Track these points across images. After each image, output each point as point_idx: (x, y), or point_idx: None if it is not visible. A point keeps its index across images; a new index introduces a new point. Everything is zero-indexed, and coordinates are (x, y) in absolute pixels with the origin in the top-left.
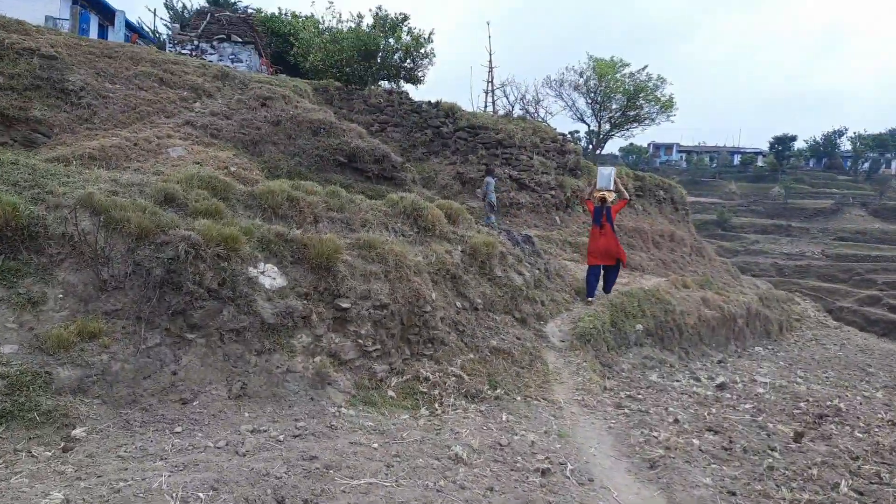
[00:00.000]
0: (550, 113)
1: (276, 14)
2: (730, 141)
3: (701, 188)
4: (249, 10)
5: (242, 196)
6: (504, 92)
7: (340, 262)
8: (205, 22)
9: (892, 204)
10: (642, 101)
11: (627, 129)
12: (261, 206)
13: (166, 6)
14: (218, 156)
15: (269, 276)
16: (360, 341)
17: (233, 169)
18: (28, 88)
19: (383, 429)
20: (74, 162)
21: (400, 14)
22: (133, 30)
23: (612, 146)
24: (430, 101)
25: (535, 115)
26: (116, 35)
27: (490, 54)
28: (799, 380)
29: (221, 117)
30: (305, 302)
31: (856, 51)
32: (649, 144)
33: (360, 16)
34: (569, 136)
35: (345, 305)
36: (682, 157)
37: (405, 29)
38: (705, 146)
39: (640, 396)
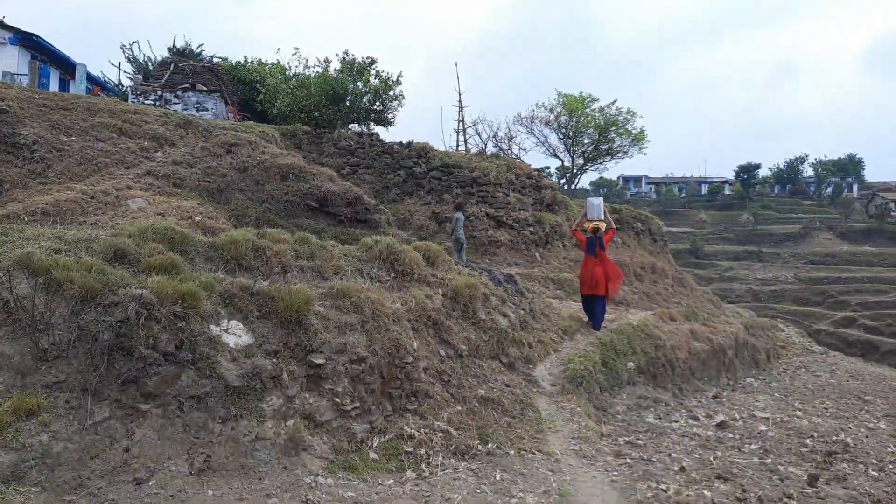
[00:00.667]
0: (524, 149)
1: (242, 62)
2: (696, 171)
3: (672, 218)
4: (215, 60)
5: (203, 248)
6: (476, 130)
7: (312, 314)
8: (168, 72)
9: (857, 226)
10: (614, 135)
11: (601, 163)
12: (223, 258)
13: (129, 60)
14: (181, 205)
15: (234, 334)
16: (337, 400)
17: (197, 218)
18: None
19: (366, 499)
20: (25, 218)
21: (367, 58)
22: (95, 83)
23: (583, 180)
24: (401, 142)
25: (509, 151)
26: (78, 88)
27: (459, 94)
28: (798, 413)
29: (185, 166)
30: (275, 360)
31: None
32: (619, 177)
33: (327, 60)
34: (544, 171)
35: (318, 361)
36: (651, 188)
37: (373, 72)
38: (673, 177)
39: (640, 442)
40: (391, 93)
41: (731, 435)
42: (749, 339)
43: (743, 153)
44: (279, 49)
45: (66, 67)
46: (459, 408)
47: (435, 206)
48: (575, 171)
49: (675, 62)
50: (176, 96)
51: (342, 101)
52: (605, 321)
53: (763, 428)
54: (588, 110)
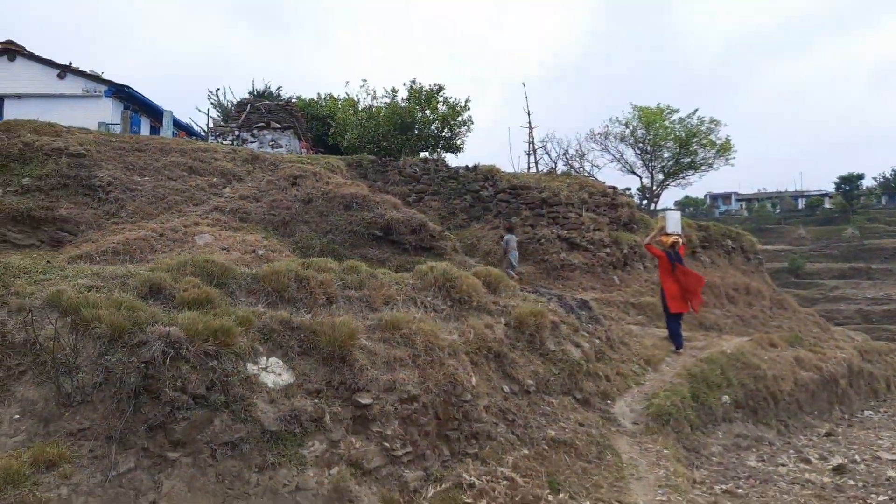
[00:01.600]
0: (597, 166)
1: (315, 99)
2: (791, 185)
3: (767, 235)
4: (290, 99)
5: (245, 280)
6: (545, 149)
7: (357, 348)
8: (245, 112)
9: None
10: (696, 147)
11: (683, 178)
12: (265, 291)
13: (215, 105)
14: (246, 239)
15: (273, 373)
16: (387, 444)
17: (261, 252)
18: (55, 188)
19: None
20: (97, 258)
21: (435, 85)
22: (181, 128)
23: (667, 200)
24: (467, 166)
25: (581, 170)
26: (165, 133)
27: (528, 115)
28: None
29: (251, 200)
30: (317, 401)
31: None
32: (706, 195)
33: (394, 90)
34: (625, 191)
35: (365, 401)
36: (741, 205)
37: (440, 99)
38: (766, 192)
39: (740, 491)
40: (459, 119)
41: (852, 482)
42: (864, 366)
43: (843, 163)
44: (347, 82)
45: (156, 115)
46: (526, 451)
47: (503, 230)
48: (655, 187)
49: (762, 71)
50: (252, 135)
51: (410, 130)
52: (695, 349)
53: (892, 473)
54: (667, 122)
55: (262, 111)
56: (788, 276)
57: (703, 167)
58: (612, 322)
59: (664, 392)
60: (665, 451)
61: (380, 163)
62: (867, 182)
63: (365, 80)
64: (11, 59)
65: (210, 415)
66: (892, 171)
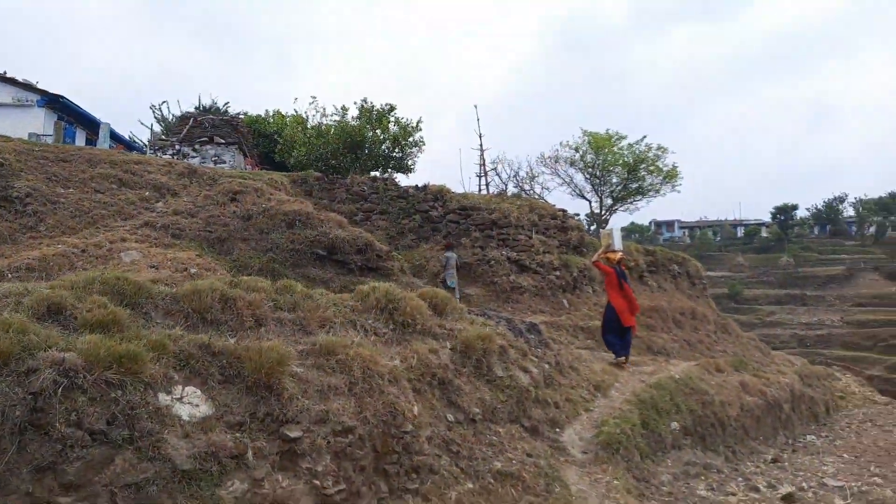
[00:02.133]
0: (547, 189)
1: (262, 116)
2: (731, 214)
3: (708, 262)
4: (236, 114)
5: (163, 300)
6: (496, 171)
7: (287, 376)
8: (187, 126)
9: None
10: (644, 173)
11: (631, 202)
12: (184, 312)
13: (158, 120)
14: (178, 257)
15: (190, 403)
16: (317, 481)
17: (193, 270)
18: None
19: None
20: (9, 275)
21: (386, 105)
22: (120, 141)
23: (612, 223)
24: (416, 186)
25: (531, 192)
26: (101, 146)
27: (479, 136)
28: (878, 479)
29: (185, 216)
30: (239, 435)
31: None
32: (650, 222)
33: (344, 108)
34: (574, 216)
35: (294, 434)
36: (684, 232)
37: (392, 119)
38: (707, 220)
39: None
40: (411, 139)
41: None
42: (805, 391)
43: (779, 196)
44: (296, 99)
45: (93, 127)
46: (471, 485)
47: (443, 247)
48: (604, 212)
49: (706, 107)
50: (194, 150)
51: (360, 149)
52: (644, 374)
53: (839, 502)
54: (615, 148)
55: (205, 126)
56: (728, 301)
57: (651, 192)
58: (561, 346)
59: (614, 419)
60: (615, 481)
61: (326, 180)
62: (801, 213)
63: (314, 98)
64: None
65: (110, 453)
66: (824, 202)
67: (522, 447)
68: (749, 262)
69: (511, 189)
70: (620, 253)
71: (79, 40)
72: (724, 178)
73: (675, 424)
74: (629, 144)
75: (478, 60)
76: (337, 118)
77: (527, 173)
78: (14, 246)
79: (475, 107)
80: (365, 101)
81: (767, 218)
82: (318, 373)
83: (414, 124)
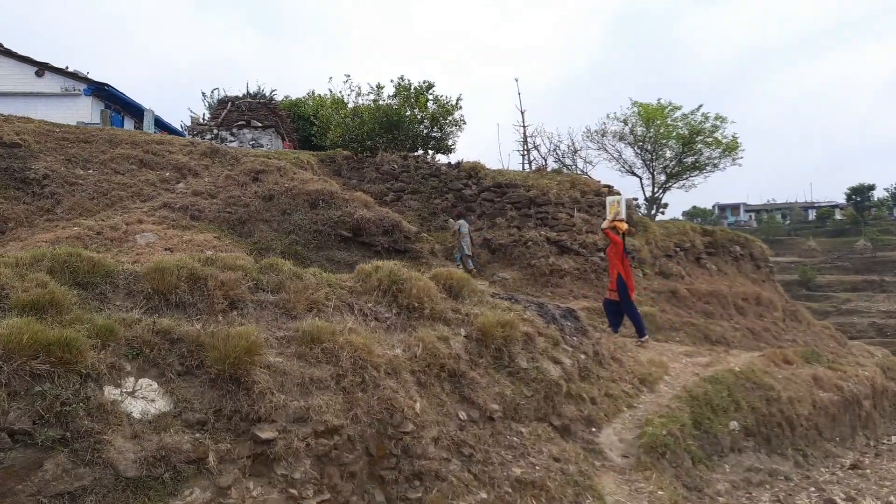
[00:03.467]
0: (590, 163)
1: (303, 99)
2: (801, 196)
3: (777, 247)
4: (272, 97)
5: (125, 279)
6: (535, 145)
7: (260, 367)
8: (225, 110)
9: None
10: (700, 145)
11: (687, 178)
12: (144, 294)
13: (207, 106)
14: (195, 239)
15: (143, 398)
16: (295, 490)
17: (209, 253)
18: None
19: None
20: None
21: (424, 82)
22: (164, 127)
23: (674, 210)
24: (449, 163)
25: (573, 167)
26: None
27: (521, 113)
28: None
29: (205, 196)
30: (199, 435)
31: None
32: (714, 206)
33: (379, 87)
34: (634, 200)
35: (266, 435)
36: (750, 216)
37: (430, 97)
38: (775, 203)
39: None
40: (450, 118)
41: None
42: (889, 385)
43: (853, 175)
44: (331, 78)
45: (139, 115)
46: (485, 495)
47: (487, 231)
48: (656, 189)
49: (770, 82)
50: (231, 133)
51: (397, 129)
52: (698, 366)
53: None
54: (669, 120)
55: (242, 109)
56: (799, 288)
57: (709, 167)
58: (602, 334)
59: (660, 418)
60: (660, 491)
61: (355, 159)
62: (879, 193)
63: (348, 76)
64: None
65: (38, 456)
66: None
67: (549, 450)
68: (822, 247)
69: (551, 164)
70: (625, 223)
71: (135, 32)
72: (793, 158)
73: (734, 424)
74: (683, 115)
75: (529, 41)
76: (373, 97)
77: (568, 147)
78: (30, 228)
79: (516, 80)
80: (402, 79)
81: (842, 199)
82: (299, 363)
83: (454, 102)
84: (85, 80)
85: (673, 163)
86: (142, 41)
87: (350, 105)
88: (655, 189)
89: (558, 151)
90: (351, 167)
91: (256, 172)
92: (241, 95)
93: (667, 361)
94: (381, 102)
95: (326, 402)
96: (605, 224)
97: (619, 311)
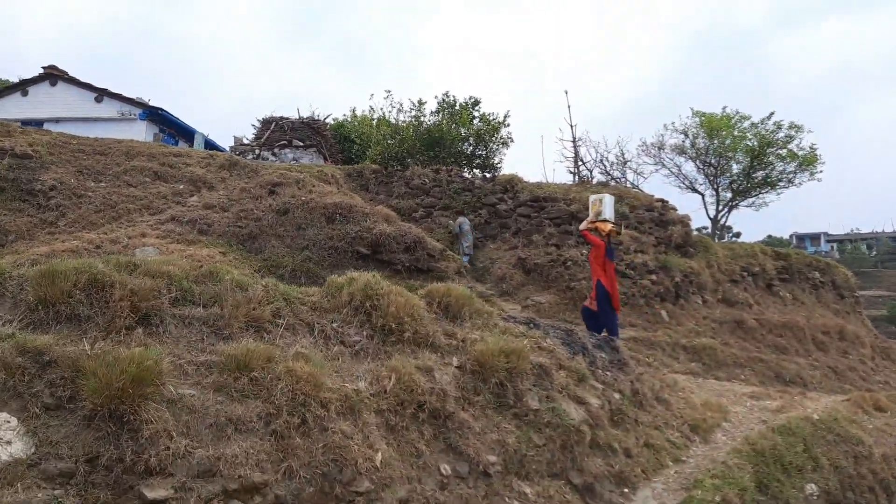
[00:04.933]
0: (642, 175)
1: (349, 119)
2: (888, 226)
3: (863, 279)
4: (317, 117)
5: (14, 285)
6: (576, 150)
7: (156, 401)
8: (269, 131)
9: None
10: (773, 158)
11: (756, 196)
12: (28, 304)
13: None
14: (197, 254)
15: None
16: None
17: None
18: None
19: None
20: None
21: (470, 98)
22: (213, 148)
23: (747, 238)
24: (484, 176)
25: (622, 180)
26: None
27: (572, 127)
28: None
29: (217, 210)
30: (59, 491)
31: None
32: (791, 235)
33: (420, 102)
34: (670, 203)
35: (156, 495)
36: (832, 247)
37: (476, 114)
38: (859, 233)
39: None
40: (497, 136)
41: None
42: None
43: None
44: (372, 95)
45: (189, 137)
46: None
47: (522, 249)
48: (720, 207)
49: (857, 106)
50: (273, 153)
51: (439, 147)
52: (766, 412)
53: None
54: (736, 131)
55: (285, 128)
56: (888, 325)
57: (782, 183)
58: (647, 369)
59: (713, 479)
60: None
61: (384, 173)
62: None
63: (389, 92)
64: (53, 83)
65: None
66: None
67: None
68: None
69: (597, 177)
70: (612, 225)
71: (221, 70)
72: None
73: (811, 488)
74: (752, 124)
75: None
76: (414, 114)
77: (617, 157)
78: (30, 241)
79: (566, 93)
80: (446, 94)
81: None
82: (216, 398)
83: (501, 119)
84: (140, 104)
85: (740, 177)
86: (228, 77)
87: (392, 122)
88: (720, 207)
89: (605, 163)
90: (379, 181)
91: (273, 185)
92: (286, 117)
93: (727, 405)
94: (422, 119)
95: (247, 451)
96: (583, 225)
97: (599, 323)
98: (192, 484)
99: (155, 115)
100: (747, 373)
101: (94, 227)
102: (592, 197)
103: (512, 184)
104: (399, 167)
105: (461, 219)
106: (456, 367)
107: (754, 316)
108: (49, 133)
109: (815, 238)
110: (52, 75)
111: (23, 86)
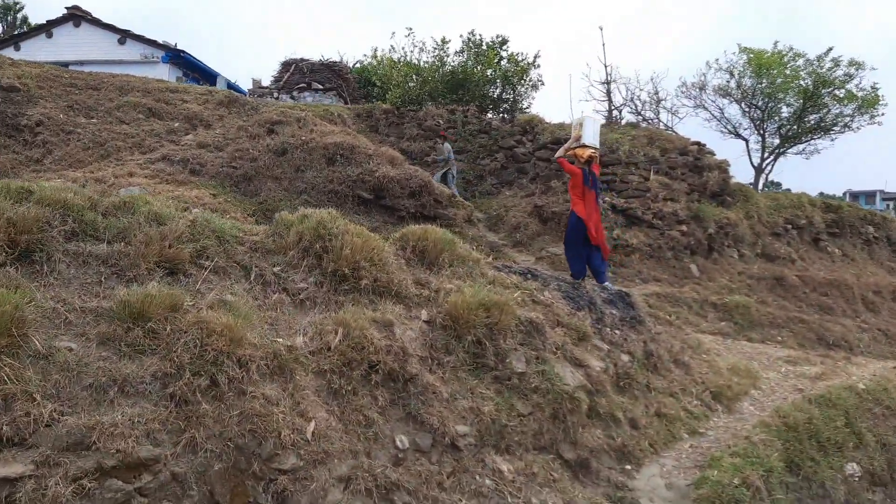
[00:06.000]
0: (677, 115)
1: (373, 63)
2: None
3: None
4: (338, 61)
5: None
6: (607, 90)
7: (17, 357)
8: (288, 73)
9: None
10: (828, 99)
11: (808, 142)
12: None
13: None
14: (184, 195)
15: None
16: None
17: (195, 211)
18: None
19: None
20: None
21: (497, 37)
22: (237, 92)
23: (784, 174)
24: (503, 116)
25: (655, 121)
26: None
27: (606, 68)
28: None
29: (211, 149)
30: None
31: None
32: (845, 193)
33: (444, 41)
34: (707, 147)
35: (11, 472)
36: (888, 205)
37: (504, 54)
38: None
39: None
40: (527, 78)
41: None
42: None
43: None
44: (393, 34)
45: (213, 80)
46: None
47: (539, 197)
48: (767, 155)
49: None
50: (291, 97)
51: (463, 89)
52: (803, 379)
53: None
54: (787, 70)
55: (304, 71)
56: None
57: (837, 128)
58: (667, 329)
59: (733, 456)
60: None
61: (395, 114)
62: None
63: (410, 30)
64: (77, 24)
65: None
66: None
67: (548, 499)
68: None
69: (627, 117)
70: (592, 150)
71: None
72: None
73: (852, 467)
74: (808, 62)
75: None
76: (437, 53)
77: (650, 95)
78: (13, 180)
79: (600, 29)
80: (472, 33)
81: None
82: (101, 353)
83: (530, 60)
84: (163, 47)
85: (791, 121)
86: (260, 29)
87: (414, 62)
88: (766, 155)
89: (637, 101)
90: (390, 122)
91: (272, 123)
92: (306, 59)
93: (758, 370)
94: (446, 59)
95: (134, 419)
96: (559, 152)
97: (593, 265)
98: (58, 458)
99: (178, 58)
100: (785, 334)
101: (81, 166)
102: (574, 120)
103: (532, 125)
104: (413, 108)
105: (447, 144)
106: (424, 321)
107: (797, 272)
108: (41, 66)
109: (870, 196)
110: (76, 16)
111: (48, 27)
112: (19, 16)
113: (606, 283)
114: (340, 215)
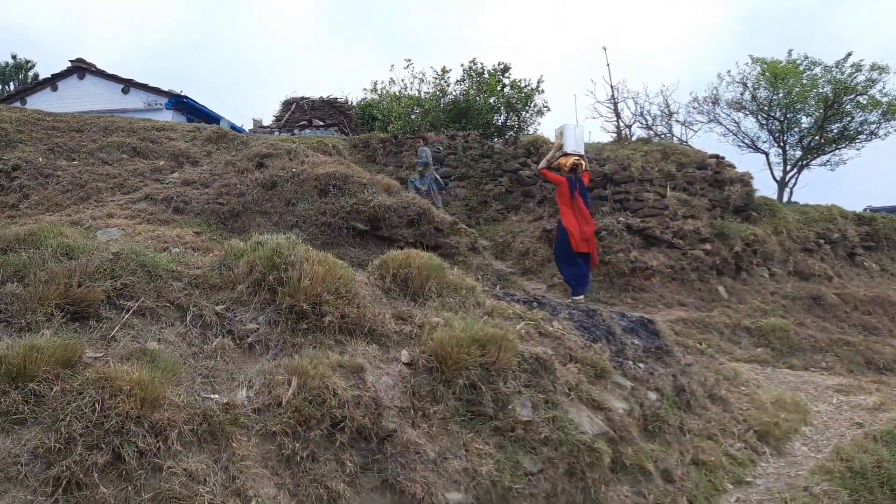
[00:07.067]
0: (691, 128)
1: (376, 99)
2: None
3: None
4: (340, 98)
5: None
6: (614, 103)
7: None
8: (289, 112)
9: None
10: (850, 107)
11: (832, 152)
12: None
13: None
14: (165, 235)
15: None
16: None
17: (175, 250)
18: None
19: None
20: None
21: (499, 64)
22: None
23: (808, 187)
24: (505, 139)
25: (667, 136)
26: None
27: (612, 88)
28: None
29: (197, 186)
30: None
31: None
32: (866, 209)
33: (444, 70)
34: (726, 159)
35: None
36: None
37: (506, 81)
38: None
39: None
40: (532, 104)
41: None
42: None
43: None
44: (392, 66)
45: (215, 123)
46: None
47: (547, 220)
48: (789, 169)
49: None
50: (292, 134)
51: (466, 119)
52: (858, 410)
53: None
54: (804, 79)
55: (305, 109)
56: None
57: (862, 136)
58: (699, 358)
59: None
60: None
61: (393, 143)
62: None
63: (409, 61)
64: (81, 76)
65: None
66: None
67: None
68: None
69: (637, 133)
70: (576, 157)
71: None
72: None
73: None
74: (826, 69)
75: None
76: (439, 84)
77: (660, 109)
78: None
79: (604, 49)
80: (473, 62)
81: None
82: None
83: (534, 85)
84: (167, 94)
85: (812, 132)
86: (267, 73)
87: (414, 94)
88: (788, 168)
89: (647, 116)
90: (388, 151)
91: (262, 157)
92: (307, 97)
93: (806, 402)
94: (447, 88)
95: None
96: (541, 164)
97: (580, 268)
98: None
99: (181, 104)
100: (830, 359)
101: (59, 209)
102: (556, 129)
103: (536, 146)
104: (412, 137)
105: (425, 148)
106: (405, 363)
107: (834, 290)
108: (24, 111)
109: (891, 211)
110: (80, 68)
111: (52, 81)
112: (31, 73)
113: (580, 297)
114: (333, 247)
